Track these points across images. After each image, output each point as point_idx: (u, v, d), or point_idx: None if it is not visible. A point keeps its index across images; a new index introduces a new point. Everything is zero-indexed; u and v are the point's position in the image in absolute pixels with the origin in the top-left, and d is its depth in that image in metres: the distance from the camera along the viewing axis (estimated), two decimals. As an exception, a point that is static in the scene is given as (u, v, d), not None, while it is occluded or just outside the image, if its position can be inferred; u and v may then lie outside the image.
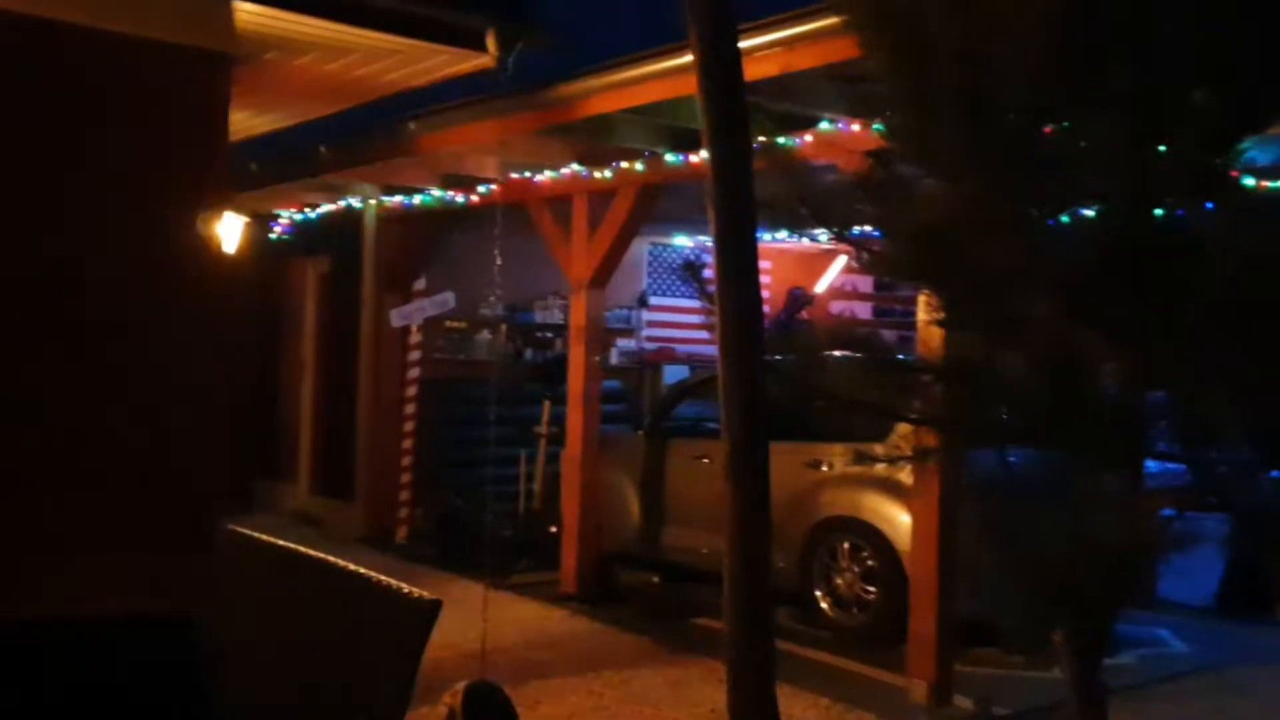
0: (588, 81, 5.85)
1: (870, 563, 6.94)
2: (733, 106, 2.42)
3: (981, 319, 2.68)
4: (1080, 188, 2.72)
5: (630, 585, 8.20)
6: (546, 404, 8.84)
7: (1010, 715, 5.50)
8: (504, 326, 10.42)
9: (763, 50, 5.12)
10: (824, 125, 6.05)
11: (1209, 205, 2.75)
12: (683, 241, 12.29)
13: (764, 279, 13.46)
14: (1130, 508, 2.65)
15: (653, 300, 12.24)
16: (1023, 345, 2.64)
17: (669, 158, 7.02)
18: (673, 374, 11.72)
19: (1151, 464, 4.46)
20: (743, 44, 4.88)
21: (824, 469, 7.28)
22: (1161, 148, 2.79)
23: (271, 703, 2.74)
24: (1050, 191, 2.69)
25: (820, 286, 13.06)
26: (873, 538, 6.91)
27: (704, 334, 12.53)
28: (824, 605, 7.17)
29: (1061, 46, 2.73)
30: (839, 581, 7.11)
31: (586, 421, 7.79)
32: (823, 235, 3.43)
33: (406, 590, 2.72)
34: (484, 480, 9.77)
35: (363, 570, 2.83)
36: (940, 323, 2.86)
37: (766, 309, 12.83)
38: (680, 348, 12.34)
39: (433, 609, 2.67)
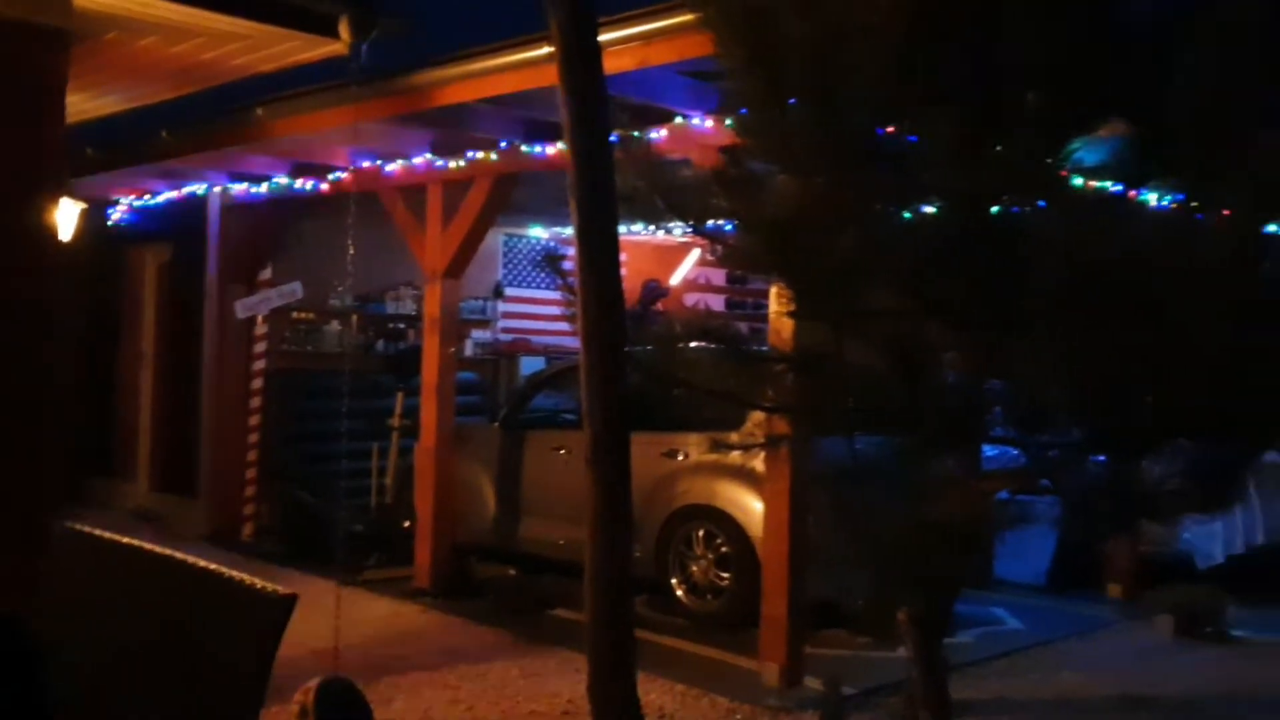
0: (445, 70, 5.79)
1: (724, 550, 7.08)
2: (593, 99, 2.44)
3: (830, 310, 2.78)
4: (921, 184, 2.83)
5: (486, 579, 8.16)
6: (400, 396, 8.72)
7: (858, 694, 5.69)
8: (355, 317, 10.22)
9: (619, 45, 5.15)
10: (678, 120, 6.14)
11: (1041, 203, 2.90)
12: (538, 233, 12.27)
13: (620, 271, 13.57)
14: (968, 490, 2.78)
15: (508, 291, 12.20)
16: (869, 335, 2.75)
17: (525, 148, 7.00)
18: (529, 365, 11.71)
19: (990, 449, 4.70)
20: (600, 38, 4.93)
21: (680, 458, 7.39)
22: (998, 147, 2.93)
23: (118, 704, 2.65)
24: (894, 187, 2.79)
25: (675, 279, 13.21)
26: (727, 525, 7.05)
27: (560, 325, 12.62)
28: (679, 593, 7.28)
29: (905, 47, 2.84)
30: (694, 569, 7.24)
31: (441, 414, 7.72)
32: (678, 228, 3.48)
33: (259, 585, 2.67)
34: (335, 474, 9.60)
35: (213, 566, 2.76)
36: (791, 314, 2.94)
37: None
38: (536, 339, 12.33)
39: (287, 604, 2.63)
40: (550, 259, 11.65)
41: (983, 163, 2.88)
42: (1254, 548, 8.54)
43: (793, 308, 2.90)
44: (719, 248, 3.32)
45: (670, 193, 3.47)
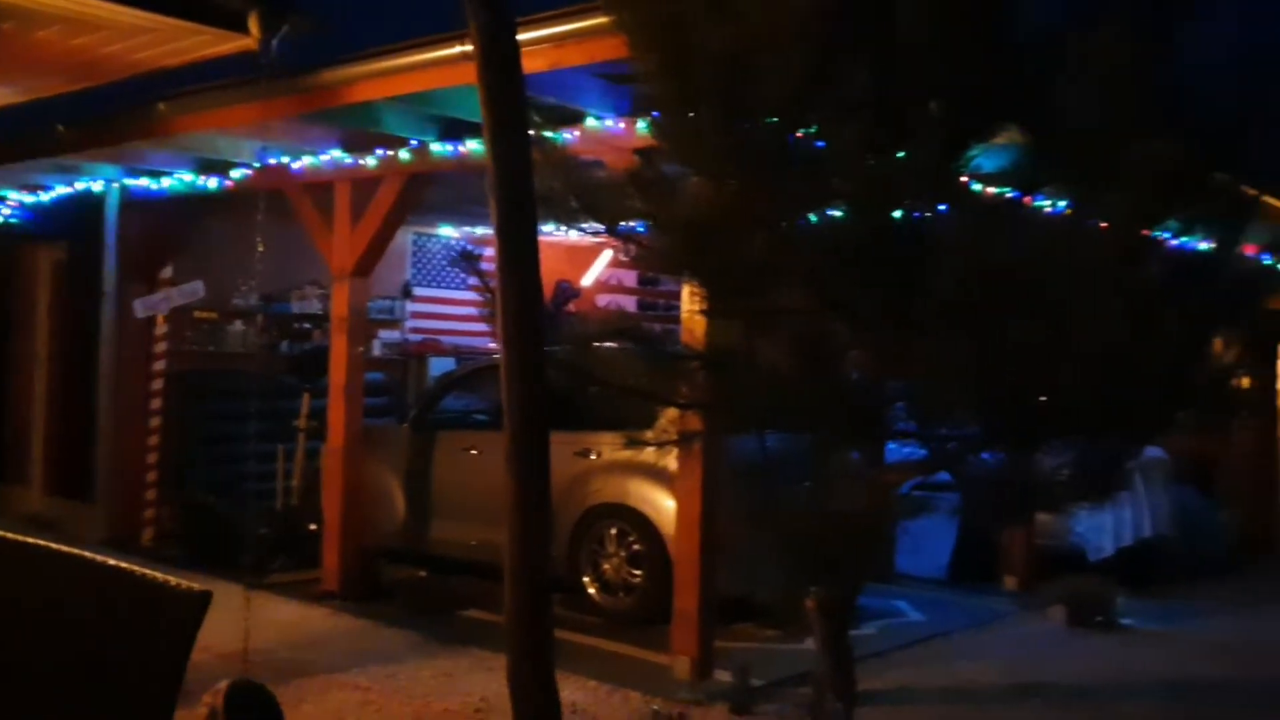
0: (357, 67, 5.75)
1: (637, 547, 7.15)
2: (512, 99, 2.47)
3: (742, 309, 2.86)
4: (829, 189, 2.93)
5: (396, 581, 8.11)
6: (306, 396, 8.61)
7: (766, 685, 5.80)
8: (261, 317, 10.07)
9: (533, 46, 5.18)
10: (590, 122, 6.19)
11: (942, 208, 3.02)
12: (448, 232, 12.21)
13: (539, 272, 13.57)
14: (871, 483, 2.89)
15: (417, 291, 12.11)
16: (779, 334, 2.83)
17: (438, 147, 6.99)
18: (439, 366, 11.64)
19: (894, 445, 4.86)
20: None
21: (592, 458, 7.44)
22: (900, 154, 3.04)
23: (25, 708, 2.60)
24: (803, 191, 2.88)
25: (587, 280, 13.25)
26: (639, 523, 7.13)
27: (470, 325, 12.60)
28: (592, 591, 7.34)
29: (812, 57, 2.93)
30: (607, 567, 7.30)
31: (349, 415, 7.66)
32: (592, 229, 3.53)
33: (172, 582, 2.66)
34: (239, 476, 9.44)
35: (122, 564, 2.74)
36: (704, 313, 3.02)
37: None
38: (446, 339, 12.27)
39: (202, 600, 2.62)
40: (467, 257, 11.63)
41: (884, 168, 2.99)
42: (1141, 540, 8.90)
43: (705, 307, 2.98)
44: (632, 248, 3.38)
45: (585, 194, 3.52)
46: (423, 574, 7.99)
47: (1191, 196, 2.86)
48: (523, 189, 2.46)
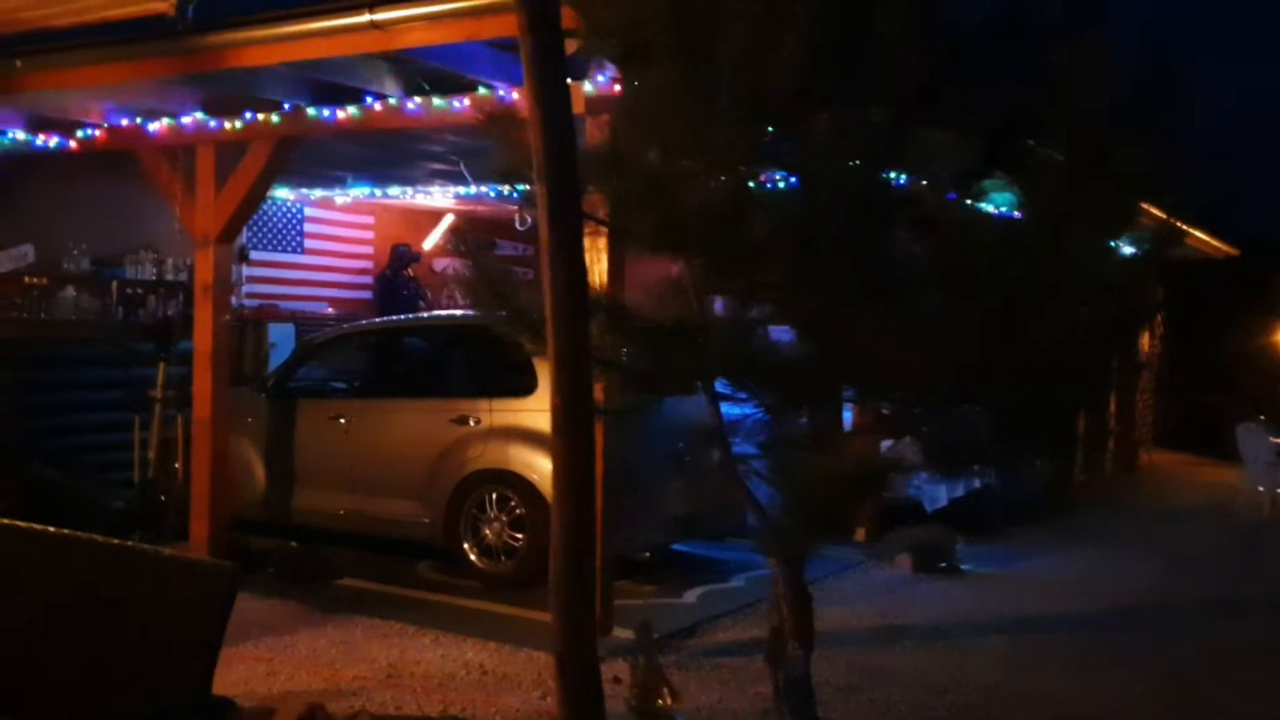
0: (255, 31, 5.57)
1: (518, 512, 7.28)
2: (559, 81, 2.53)
3: (734, 285, 3.05)
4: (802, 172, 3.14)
5: (264, 551, 7.96)
6: (162, 365, 8.31)
7: (661, 638, 6.06)
8: (115, 284, 9.61)
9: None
10: (482, 90, 6.21)
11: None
12: (284, 194, 11.87)
13: (367, 234, 13.37)
14: (857, 441, 3.16)
15: (254, 255, 11.73)
16: (764, 307, 3.05)
17: (312, 111, 6.86)
18: (277, 332, 11.34)
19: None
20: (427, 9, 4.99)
21: (471, 424, 7.50)
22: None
23: (74, 686, 2.58)
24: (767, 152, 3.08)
25: (428, 244, 13.14)
26: (521, 487, 7.25)
27: (307, 290, 12.31)
28: (472, 556, 7.42)
29: (786, 64, 3.11)
30: (487, 532, 7.39)
31: (216, 384, 7.45)
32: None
33: (203, 560, 2.68)
34: (81, 449, 9.02)
35: (145, 546, 2.74)
36: (695, 289, 3.19)
37: (370, 264, 12.62)
38: (283, 304, 11.96)
39: (231, 574, 2.66)
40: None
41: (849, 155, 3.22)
42: (971, 491, 9.62)
43: (696, 283, 3.15)
44: (621, 227, 3.50)
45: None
46: (293, 544, 7.87)
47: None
48: (570, 172, 2.54)
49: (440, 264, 13.82)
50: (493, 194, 10.72)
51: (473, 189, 10.85)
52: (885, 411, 3.53)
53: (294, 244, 12.22)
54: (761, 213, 3.21)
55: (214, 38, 5.55)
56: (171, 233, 10.47)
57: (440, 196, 11.63)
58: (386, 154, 9.24)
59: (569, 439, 2.72)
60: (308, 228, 12.42)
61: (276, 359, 10.70)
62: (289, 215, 12.19)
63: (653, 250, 3.21)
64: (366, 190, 11.47)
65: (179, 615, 2.58)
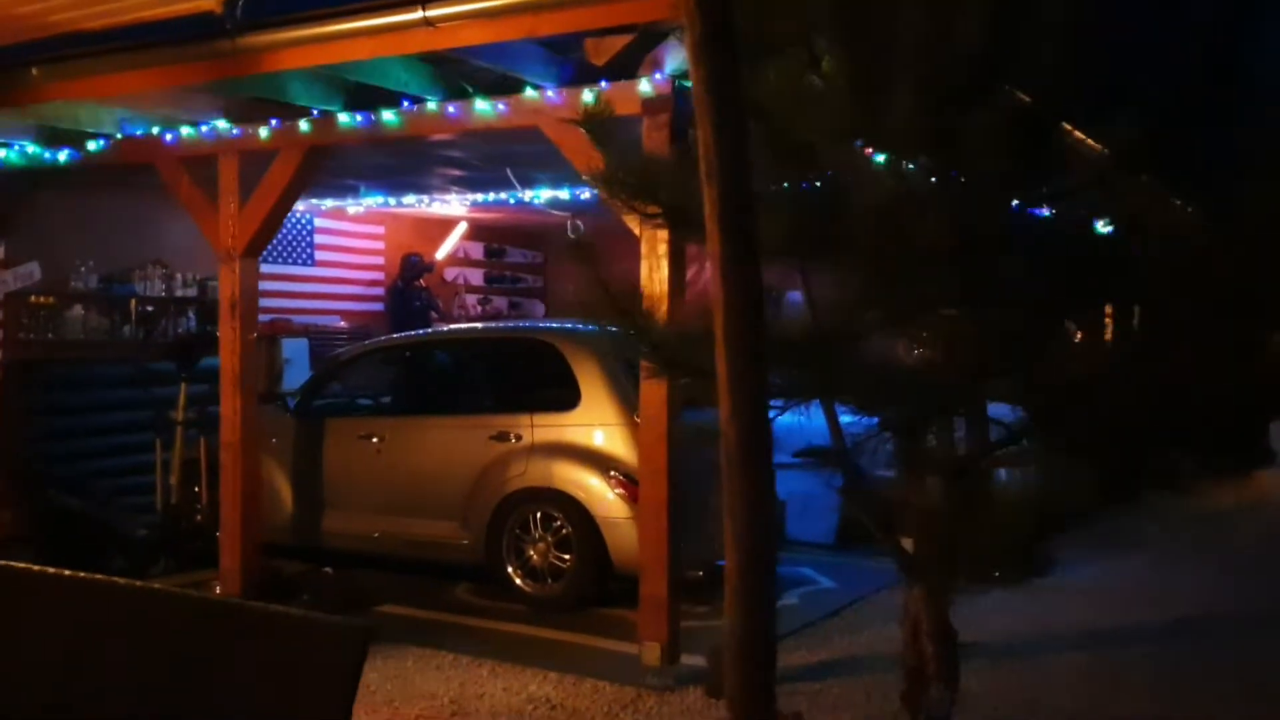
0: (294, 31, 5.25)
1: (564, 531, 6.97)
2: (733, 79, 2.23)
3: (896, 299, 2.76)
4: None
5: (293, 578, 7.64)
6: (183, 387, 7.98)
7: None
8: (134, 301, 9.28)
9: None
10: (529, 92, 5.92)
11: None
12: (295, 205, 11.51)
13: (378, 245, 13.05)
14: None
15: (264, 268, 11.34)
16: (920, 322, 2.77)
17: (344, 118, 6.54)
18: (291, 347, 11.02)
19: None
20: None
21: (511, 441, 7.19)
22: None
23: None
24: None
25: (441, 254, 12.83)
26: (567, 506, 6.94)
27: (319, 303, 11.98)
28: (517, 579, 7.11)
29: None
30: (531, 553, 7.08)
31: (245, 405, 7.12)
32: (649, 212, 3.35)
33: (331, 621, 2.37)
34: (99, 473, 8.68)
35: (279, 608, 2.44)
36: (843, 301, 2.90)
37: (381, 275, 12.30)
38: (295, 318, 11.63)
39: (363, 635, 2.36)
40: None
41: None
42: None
43: (847, 295, 2.86)
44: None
45: (640, 173, 3.35)
46: (327, 570, 7.54)
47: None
48: (744, 173, 2.25)
49: (451, 273, 13.52)
50: (513, 201, 10.41)
51: (490, 197, 10.54)
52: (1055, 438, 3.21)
53: (305, 256, 11.90)
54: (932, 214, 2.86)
55: (254, 39, 5.22)
56: (181, 247, 10.16)
57: (454, 205, 11.32)
58: (405, 160, 8.93)
59: (749, 478, 2.42)
60: (318, 239, 12.10)
61: (291, 375, 10.39)
62: (300, 226, 11.86)
63: (788, 255, 2.90)
64: (380, 199, 11.15)
65: (303, 685, 2.27)
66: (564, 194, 9.64)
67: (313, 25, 5.21)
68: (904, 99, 2.55)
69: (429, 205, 11.23)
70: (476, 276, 14.00)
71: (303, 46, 5.34)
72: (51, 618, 2.55)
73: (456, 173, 9.44)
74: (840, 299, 2.87)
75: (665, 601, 5.60)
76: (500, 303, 14.27)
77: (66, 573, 2.65)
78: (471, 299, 13.71)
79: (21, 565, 2.66)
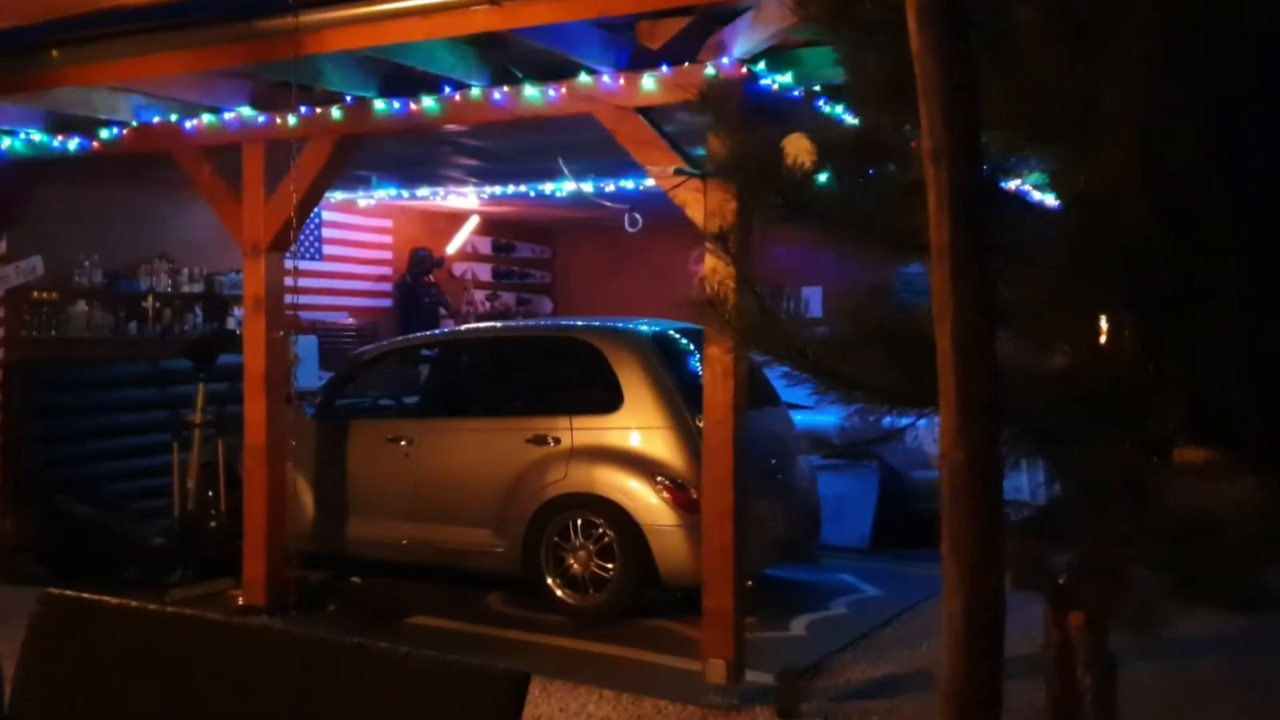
0: (338, 11, 4.92)
1: (607, 539, 6.66)
2: (963, 60, 1.93)
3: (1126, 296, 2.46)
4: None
5: (318, 587, 7.30)
6: (201, 387, 7.62)
7: (802, 681, 5.49)
8: (151, 297, 8.91)
9: None
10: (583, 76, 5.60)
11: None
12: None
13: (386, 239, 12.68)
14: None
15: (271, 264, 10.99)
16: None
17: (380, 104, 6.21)
18: (302, 345, 10.64)
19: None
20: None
21: (550, 444, 6.88)
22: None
23: None
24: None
25: (451, 248, 12.48)
26: (610, 513, 6.64)
27: (327, 299, 11.62)
28: (556, 589, 6.79)
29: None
30: (572, 562, 6.77)
31: (271, 407, 6.77)
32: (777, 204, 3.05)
33: (489, 668, 2.07)
34: (114, 476, 8.33)
35: (430, 653, 2.13)
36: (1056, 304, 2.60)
37: (389, 270, 11.92)
38: (305, 315, 11.25)
39: (520, 683, 2.05)
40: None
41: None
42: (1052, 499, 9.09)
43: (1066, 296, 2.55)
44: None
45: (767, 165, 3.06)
46: (355, 579, 7.21)
47: None
48: (977, 153, 1.95)
49: (459, 269, 13.18)
50: (533, 193, 10.09)
51: (510, 189, 10.22)
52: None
53: (313, 250, 11.52)
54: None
55: (308, 18, 4.87)
56: (187, 241, 9.80)
57: (470, 198, 10.98)
58: (426, 149, 8.58)
59: (979, 511, 2.12)
60: (326, 233, 11.72)
61: (302, 373, 10.03)
62: (308, 220, 11.48)
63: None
64: (392, 191, 10.79)
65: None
66: (588, 187, 9.33)
67: (366, 4, 4.87)
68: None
69: (444, 198, 10.89)
70: (485, 272, 13.67)
71: (352, 26, 5.00)
72: (148, 658, 2.23)
73: (472, 162, 9.11)
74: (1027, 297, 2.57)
75: (731, 615, 5.30)
76: (508, 298, 13.93)
77: (169, 609, 2.33)
78: (480, 295, 13.37)
79: (116, 600, 2.33)
